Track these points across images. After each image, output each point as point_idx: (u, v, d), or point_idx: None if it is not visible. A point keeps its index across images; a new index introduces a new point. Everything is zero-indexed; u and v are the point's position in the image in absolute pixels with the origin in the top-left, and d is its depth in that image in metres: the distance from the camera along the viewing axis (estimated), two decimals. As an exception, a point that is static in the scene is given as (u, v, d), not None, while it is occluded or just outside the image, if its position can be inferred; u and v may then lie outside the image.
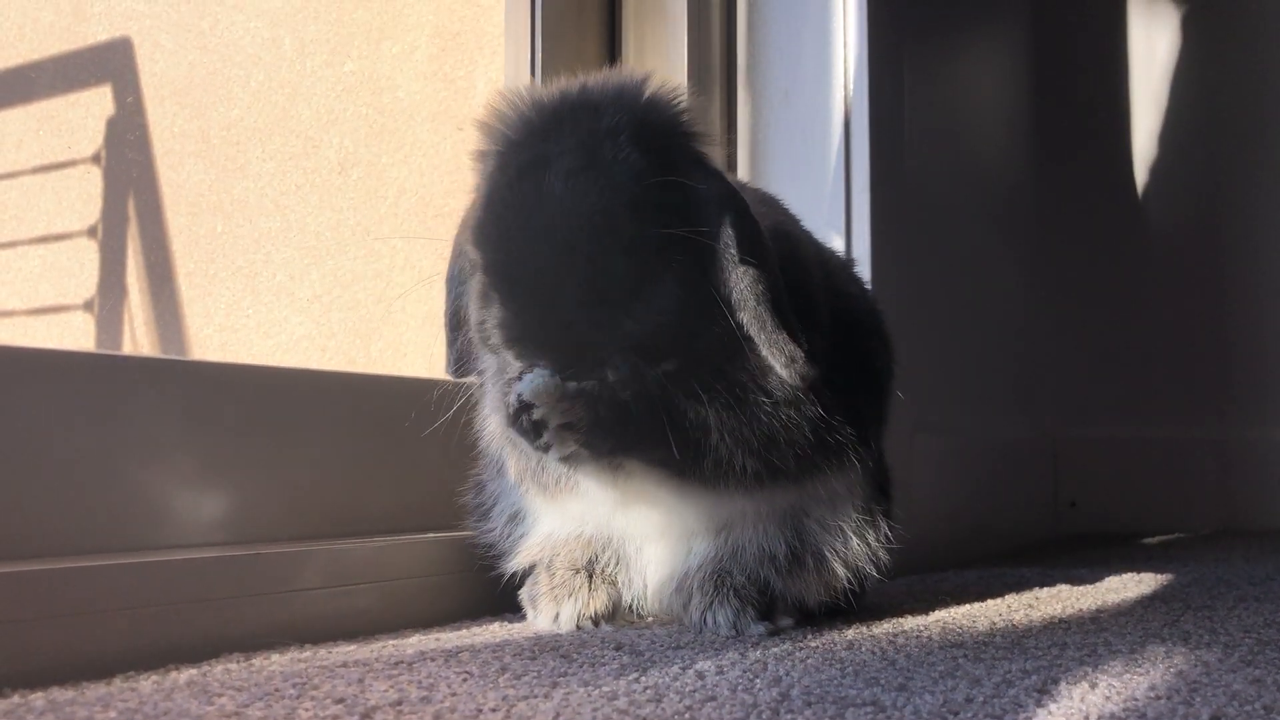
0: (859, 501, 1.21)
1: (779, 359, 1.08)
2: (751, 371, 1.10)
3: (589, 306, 1.04)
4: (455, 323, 1.23)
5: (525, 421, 1.07)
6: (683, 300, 1.07)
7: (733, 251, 1.08)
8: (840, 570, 1.19)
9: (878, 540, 1.22)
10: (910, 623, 1.26)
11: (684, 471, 1.12)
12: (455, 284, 1.22)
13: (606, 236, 1.03)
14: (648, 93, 1.11)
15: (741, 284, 1.08)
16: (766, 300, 1.08)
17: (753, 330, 1.08)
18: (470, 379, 1.27)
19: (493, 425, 1.22)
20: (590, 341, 1.05)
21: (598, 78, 1.12)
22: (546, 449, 1.09)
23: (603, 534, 1.23)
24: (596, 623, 1.20)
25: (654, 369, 1.06)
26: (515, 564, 1.28)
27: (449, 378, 1.26)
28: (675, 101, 1.12)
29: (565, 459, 1.11)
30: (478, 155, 1.13)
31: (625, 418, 1.07)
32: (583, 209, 1.03)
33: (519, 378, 1.08)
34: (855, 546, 1.20)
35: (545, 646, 1.08)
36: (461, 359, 1.24)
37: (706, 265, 1.08)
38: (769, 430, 1.11)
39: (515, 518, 1.29)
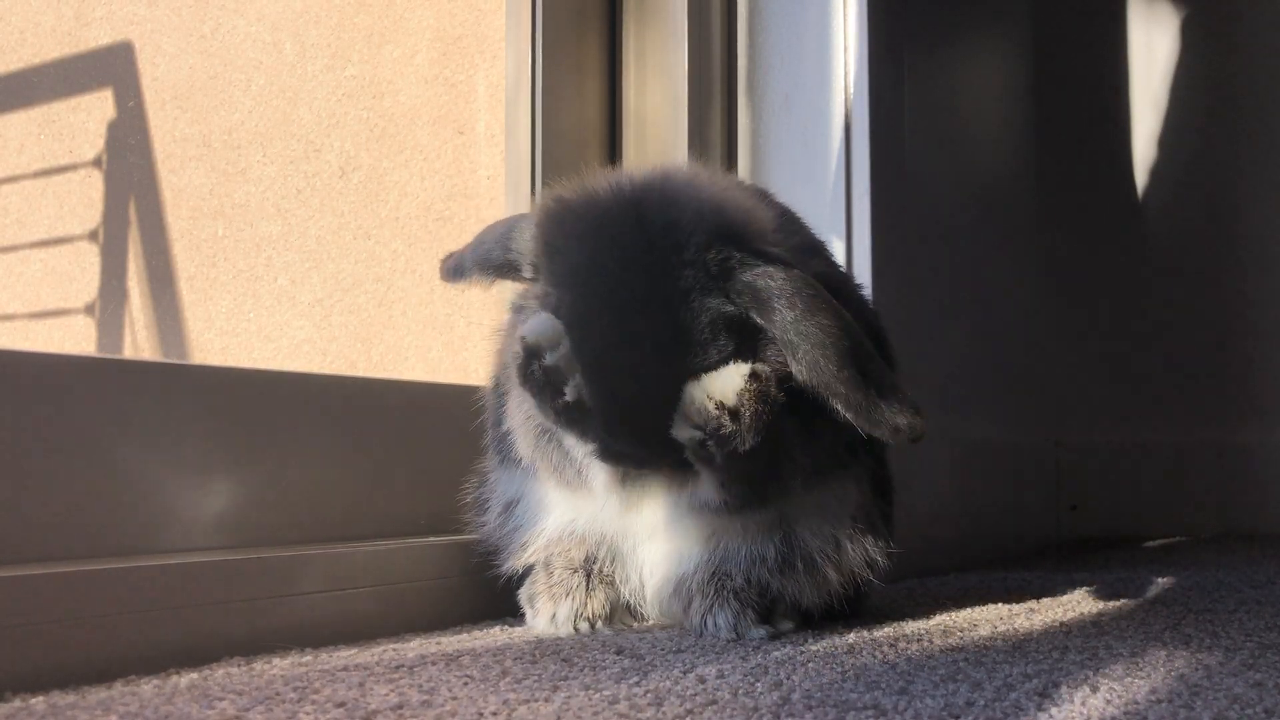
0: (852, 508, 1.20)
1: (885, 433, 1.07)
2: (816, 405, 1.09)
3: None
4: (479, 246, 1.21)
5: (537, 371, 1.04)
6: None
7: (794, 343, 1.06)
8: (833, 575, 1.18)
9: (875, 545, 1.21)
10: (911, 626, 1.26)
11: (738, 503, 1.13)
12: (492, 232, 1.22)
13: (685, 356, 1.05)
14: (699, 197, 1.10)
15: (815, 374, 1.06)
16: (846, 376, 1.06)
17: (849, 416, 1.06)
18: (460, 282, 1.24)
19: (526, 425, 1.18)
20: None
21: (644, 182, 1.11)
22: (565, 410, 1.05)
23: (597, 530, 1.23)
24: (594, 624, 1.20)
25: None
26: (513, 564, 1.28)
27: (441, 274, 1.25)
28: (730, 207, 1.11)
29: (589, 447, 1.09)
30: (544, 250, 1.11)
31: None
32: (662, 339, 1.04)
33: (524, 321, 1.06)
34: (850, 552, 1.19)
35: (546, 650, 1.08)
36: (455, 271, 1.22)
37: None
38: (814, 460, 1.13)
39: (510, 507, 1.28)
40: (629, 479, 1.15)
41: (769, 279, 1.07)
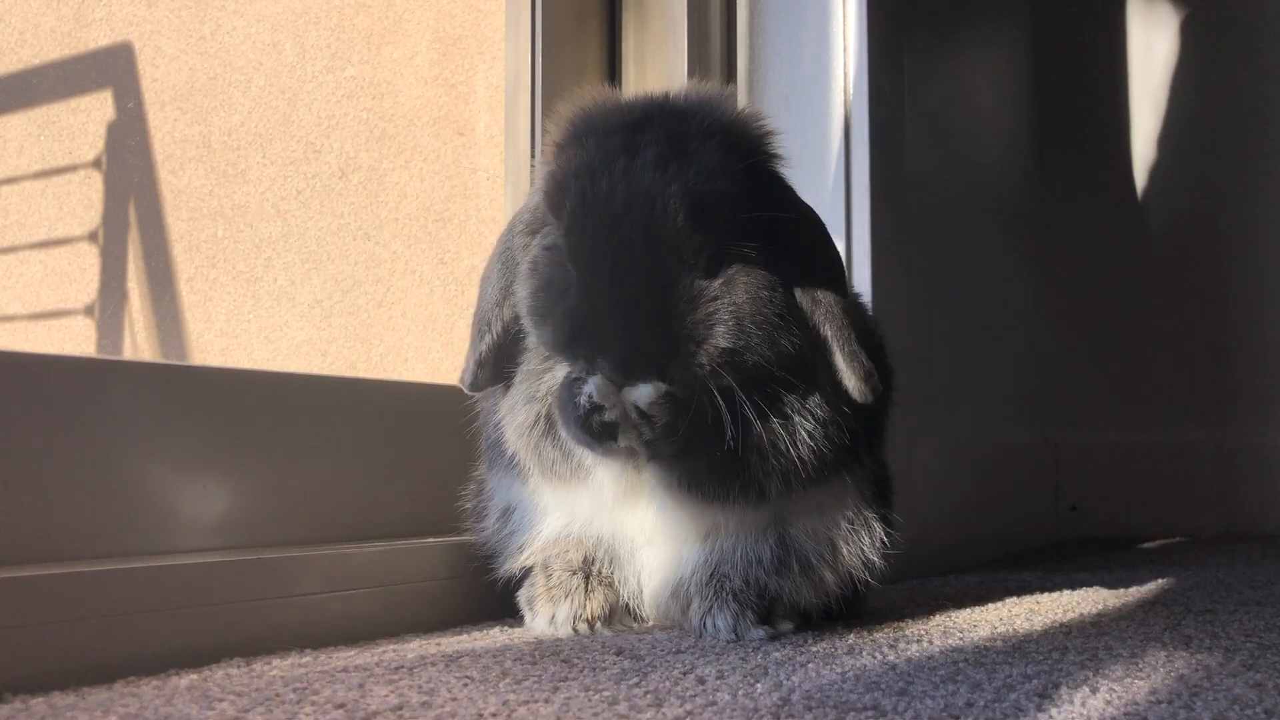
0: (849, 511, 1.21)
1: (856, 372, 1.13)
2: (805, 392, 1.13)
3: (665, 299, 1.05)
4: (484, 328, 1.21)
5: (596, 424, 1.08)
6: (755, 298, 1.08)
7: (821, 274, 1.14)
8: (829, 576, 1.19)
9: (872, 546, 1.21)
10: (911, 627, 1.26)
11: (710, 485, 1.14)
12: (490, 285, 1.21)
13: (690, 224, 1.05)
14: (736, 107, 1.18)
15: (826, 300, 1.13)
16: (848, 320, 1.14)
17: (835, 343, 1.13)
18: (479, 394, 1.26)
19: (520, 418, 1.18)
20: (650, 347, 1.05)
21: (686, 88, 1.19)
22: (612, 453, 1.11)
23: (594, 532, 1.23)
24: (593, 625, 1.20)
25: (717, 379, 1.06)
26: (513, 566, 1.28)
27: (462, 389, 1.24)
28: (762, 120, 1.19)
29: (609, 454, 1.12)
30: (560, 145, 1.14)
31: (697, 425, 1.08)
32: (669, 192, 1.05)
33: (584, 378, 1.08)
34: (845, 553, 1.20)
35: (546, 651, 1.08)
36: (481, 368, 1.21)
37: (784, 276, 1.12)
38: (802, 455, 1.13)
39: (507, 512, 1.28)
40: (634, 468, 1.15)
41: (782, 197, 1.16)
